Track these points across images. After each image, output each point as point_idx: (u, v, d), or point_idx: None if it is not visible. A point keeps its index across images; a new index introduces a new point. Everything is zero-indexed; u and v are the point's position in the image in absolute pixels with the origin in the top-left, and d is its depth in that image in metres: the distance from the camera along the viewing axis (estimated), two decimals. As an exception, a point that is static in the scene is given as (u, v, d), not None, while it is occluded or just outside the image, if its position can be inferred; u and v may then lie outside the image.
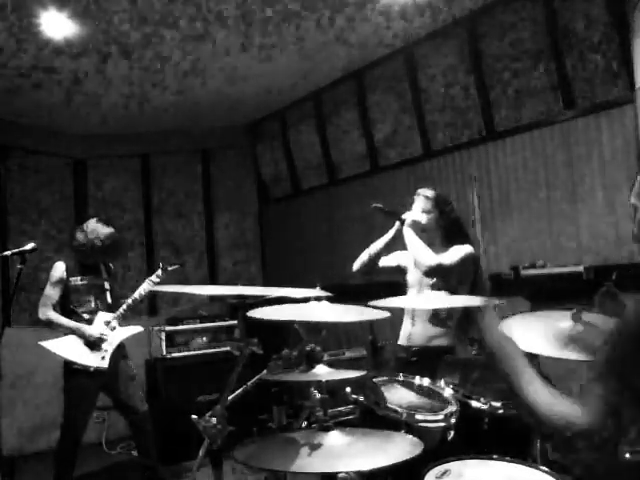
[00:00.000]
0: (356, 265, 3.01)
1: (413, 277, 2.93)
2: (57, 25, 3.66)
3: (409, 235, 2.78)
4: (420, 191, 2.93)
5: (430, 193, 2.89)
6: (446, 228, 2.83)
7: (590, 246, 3.52)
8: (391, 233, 2.93)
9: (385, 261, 3.02)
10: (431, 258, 2.68)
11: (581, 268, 3.38)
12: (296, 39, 4.16)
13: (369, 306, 1.97)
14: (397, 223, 2.88)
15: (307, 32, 4.06)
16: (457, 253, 2.71)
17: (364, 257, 2.98)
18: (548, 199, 3.75)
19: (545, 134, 3.76)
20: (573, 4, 3.50)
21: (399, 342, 2.94)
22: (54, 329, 3.47)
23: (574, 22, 3.51)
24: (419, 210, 2.86)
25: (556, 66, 3.62)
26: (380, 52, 4.54)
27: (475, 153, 4.19)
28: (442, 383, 2.13)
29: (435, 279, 2.77)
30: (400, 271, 3.02)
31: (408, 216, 2.84)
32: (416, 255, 2.74)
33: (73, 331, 3.44)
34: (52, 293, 3.48)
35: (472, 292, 2.66)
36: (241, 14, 3.74)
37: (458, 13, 3.99)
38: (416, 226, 2.81)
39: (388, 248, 2.97)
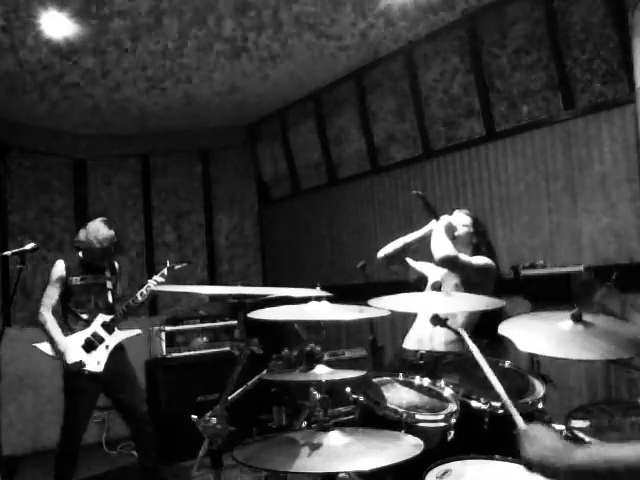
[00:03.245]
0: (382, 252, 3.06)
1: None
2: (57, 25, 3.66)
3: (438, 230, 2.83)
4: (458, 210, 3.03)
5: (469, 212, 3.02)
6: (477, 248, 2.92)
7: (590, 246, 3.52)
8: (425, 229, 2.98)
9: (414, 263, 3.09)
10: (450, 249, 2.73)
11: (581, 268, 3.38)
12: (296, 39, 4.15)
13: (369, 305, 1.97)
14: (433, 221, 2.92)
15: (307, 32, 4.06)
16: (478, 259, 2.79)
17: (392, 247, 3.04)
18: (548, 199, 3.75)
19: (545, 134, 3.76)
20: (573, 4, 3.49)
21: (407, 346, 2.92)
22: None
23: (574, 22, 3.50)
24: (457, 221, 2.93)
25: (556, 66, 3.62)
26: (380, 52, 4.54)
27: (475, 153, 4.19)
28: (442, 383, 2.13)
29: (453, 284, 2.80)
30: (421, 279, 3.06)
31: (446, 218, 2.89)
32: (436, 244, 2.78)
33: (59, 343, 3.37)
34: (51, 292, 3.47)
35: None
36: (241, 14, 3.74)
37: (458, 13, 3.99)
38: (450, 230, 2.86)
39: (419, 243, 3.01)
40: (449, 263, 2.73)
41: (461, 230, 2.91)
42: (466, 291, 2.76)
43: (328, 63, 4.65)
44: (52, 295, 3.47)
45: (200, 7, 3.62)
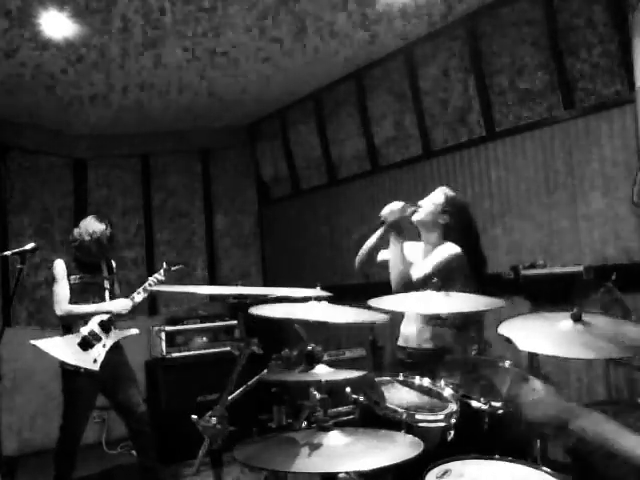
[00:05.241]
0: (356, 263, 2.98)
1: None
2: (57, 25, 3.66)
3: (392, 247, 2.66)
4: (442, 187, 2.88)
5: (447, 191, 2.83)
6: (448, 228, 2.75)
7: (590, 246, 3.52)
8: (376, 236, 2.85)
9: (383, 255, 2.91)
10: (397, 280, 2.58)
11: (581, 268, 3.38)
12: (296, 39, 4.15)
13: (369, 306, 1.97)
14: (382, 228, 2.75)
15: (307, 32, 4.06)
16: (433, 261, 2.63)
17: (359, 256, 2.94)
18: (548, 199, 3.75)
19: (545, 134, 3.76)
20: (573, 4, 3.50)
21: (398, 343, 2.93)
22: (75, 321, 3.48)
23: (574, 22, 3.50)
24: (428, 200, 2.79)
25: (556, 66, 3.62)
26: (380, 52, 4.54)
27: (475, 153, 4.19)
28: (442, 383, 2.13)
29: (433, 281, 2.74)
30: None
31: (389, 215, 2.67)
32: (394, 275, 2.62)
33: (96, 312, 3.49)
34: (61, 289, 3.50)
35: (470, 291, 2.62)
36: (240, 14, 3.74)
37: (458, 13, 3.99)
38: (403, 221, 2.69)
39: (378, 248, 2.88)
40: (406, 289, 2.48)
41: (427, 208, 2.75)
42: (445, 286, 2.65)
43: (328, 63, 4.65)
44: (63, 293, 3.49)
45: (200, 8, 3.62)
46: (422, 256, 2.83)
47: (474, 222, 2.87)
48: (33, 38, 3.81)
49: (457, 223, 2.75)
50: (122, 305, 3.55)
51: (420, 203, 2.80)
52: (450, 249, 2.66)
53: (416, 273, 2.61)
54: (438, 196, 2.81)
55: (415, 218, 2.78)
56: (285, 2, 3.63)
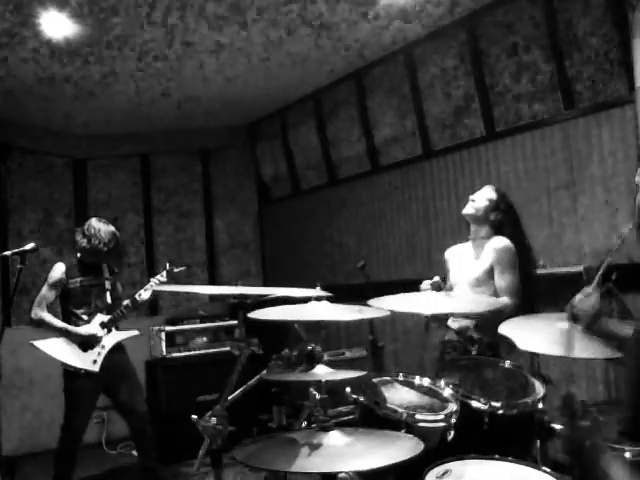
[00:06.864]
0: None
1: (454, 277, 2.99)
2: (57, 25, 3.66)
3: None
4: (489, 185, 3.02)
5: (497, 189, 2.98)
6: (498, 226, 2.89)
7: (590, 246, 3.52)
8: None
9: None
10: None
11: (581, 268, 3.38)
12: (296, 39, 4.15)
13: (369, 305, 1.97)
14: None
15: (307, 32, 4.06)
16: (493, 250, 2.79)
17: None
18: (548, 199, 3.75)
19: (545, 134, 3.76)
20: (573, 4, 3.49)
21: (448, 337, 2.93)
22: (45, 329, 3.44)
23: (574, 22, 3.50)
24: (480, 196, 2.92)
25: (556, 66, 3.62)
26: (380, 52, 4.54)
27: (475, 153, 4.19)
28: (442, 383, 2.13)
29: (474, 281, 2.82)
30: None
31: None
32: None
33: (65, 333, 3.41)
34: (48, 294, 3.46)
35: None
36: (240, 14, 3.74)
37: (458, 13, 3.99)
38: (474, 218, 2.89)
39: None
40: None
41: (481, 203, 2.89)
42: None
43: (328, 63, 4.65)
44: (48, 297, 3.46)
45: (201, 8, 3.62)
46: (472, 252, 2.93)
47: (519, 220, 2.98)
48: (33, 38, 3.81)
49: (507, 220, 2.89)
50: (93, 329, 3.48)
51: (472, 197, 2.94)
52: (502, 241, 2.81)
53: (471, 273, 2.78)
54: (490, 193, 2.94)
55: (467, 212, 2.92)
56: (285, 2, 3.63)
